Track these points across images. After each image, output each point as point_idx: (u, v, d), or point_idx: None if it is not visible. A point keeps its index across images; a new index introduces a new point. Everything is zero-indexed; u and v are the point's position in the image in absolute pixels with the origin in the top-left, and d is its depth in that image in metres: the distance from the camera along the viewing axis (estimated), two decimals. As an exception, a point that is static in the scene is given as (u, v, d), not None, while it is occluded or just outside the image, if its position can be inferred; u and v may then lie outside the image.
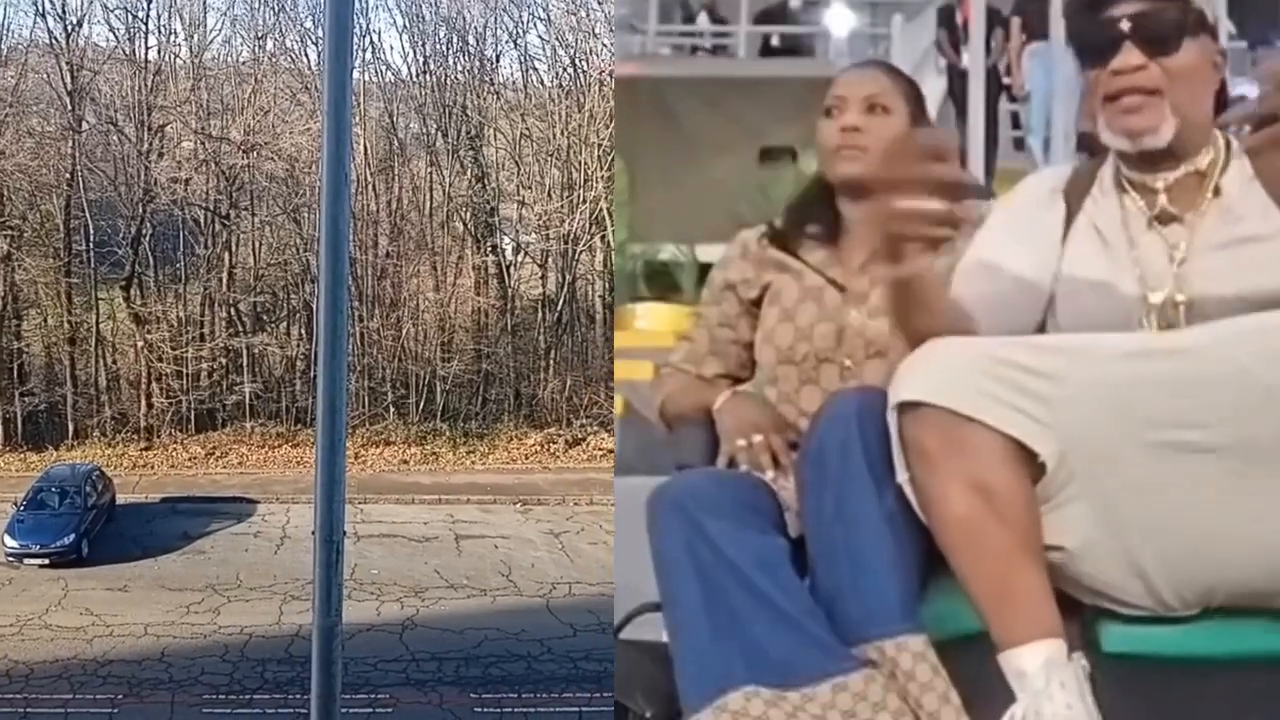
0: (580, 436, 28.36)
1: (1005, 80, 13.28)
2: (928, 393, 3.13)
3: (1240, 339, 3.07)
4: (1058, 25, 11.57)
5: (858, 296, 3.95)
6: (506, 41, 33.37)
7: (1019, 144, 13.23)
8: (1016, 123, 13.43)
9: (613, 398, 27.47)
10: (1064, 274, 3.46)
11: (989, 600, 3.12)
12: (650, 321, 9.04)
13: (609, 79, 29.45)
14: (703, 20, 17.43)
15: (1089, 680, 3.11)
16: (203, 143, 29.12)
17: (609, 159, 28.39)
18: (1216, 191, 3.38)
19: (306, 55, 31.16)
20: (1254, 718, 3.25)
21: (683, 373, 4.25)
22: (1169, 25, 3.31)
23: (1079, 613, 3.32)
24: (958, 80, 12.46)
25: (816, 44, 16.05)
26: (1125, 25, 3.30)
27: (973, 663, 3.15)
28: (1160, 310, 3.34)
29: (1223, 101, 3.50)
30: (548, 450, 28.08)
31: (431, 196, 31.30)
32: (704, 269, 13.10)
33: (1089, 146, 3.62)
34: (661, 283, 12.55)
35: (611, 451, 26.93)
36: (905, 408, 3.18)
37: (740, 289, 4.15)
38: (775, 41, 16.46)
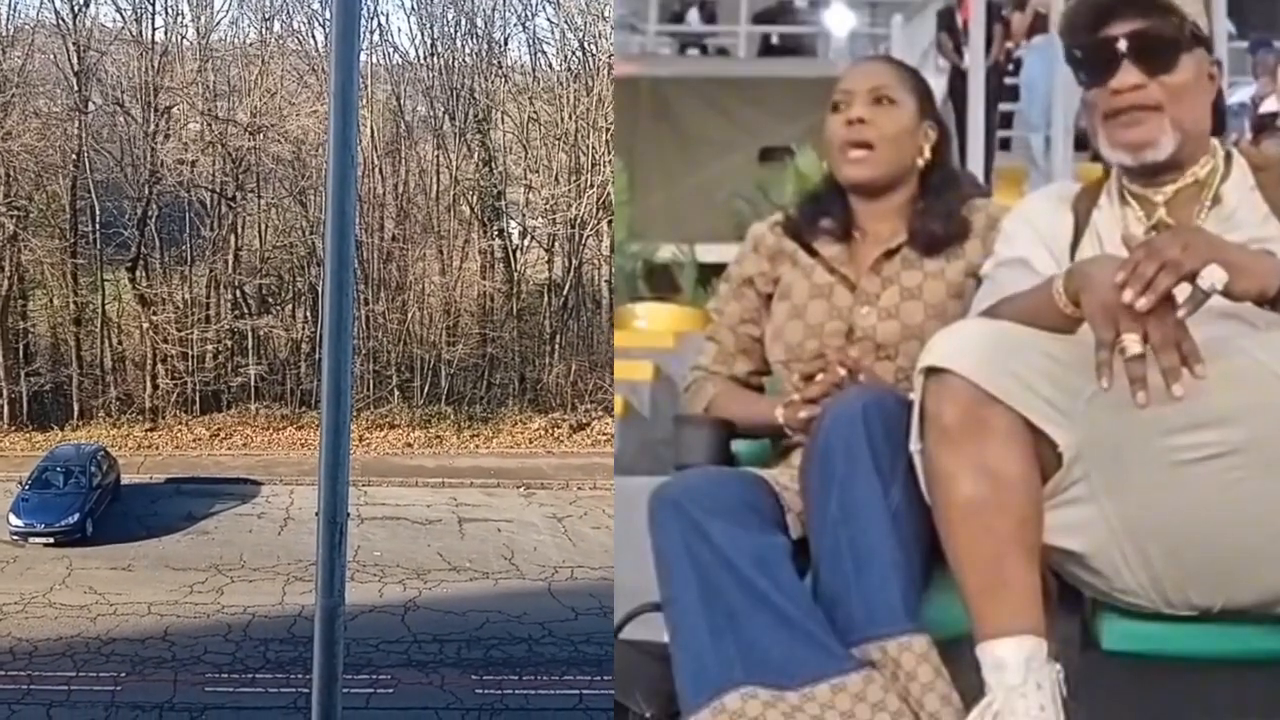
0: (584, 421, 28.38)
1: (1009, 80, 13.25)
2: (959, 363, 3.09)
3: (1268, 345, 3.03)
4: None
5: (869, 296, 3.93)
6: (515, 24, 33.34)
7: (1004, 144, 13.19)
8: (1006, 122, 13.41)
9: (617, 382, 27.44)
10: None
11: (978, 587, 3.08)
12: (650, 321, 9.02)
13: (617, 63, 29.42)
14: (692, 16, 17.41)
15: (1063, 685, 3.08)
16: (209, 124, 29.10)
17: (616, 143, 28.39)
18: (1216, 199, 3.37)
19: (313, 37, 31.12)
20: (1254, 717, 3.24)
21: (715, 375, 4.22)
22: (1166, 43, 3.31)
23: (1079, 611, 3.32)
24: (958, 80, 12.44)
25: (816, 44, 16.05)
26: (1123, 45, 3.31)
27: (976, 665, 3.12)
28: None
29: (1219, 110, 3.50)
30: (552, 434, 28.10)
31: (438, 180, 31.26)
32: (704, 269, 13.11)
33: (1090, 145, 3.62)
34: (661, 283, 12.55)
35: (615, 436, 26.94)
36: (933, 373, 3.13)
37: (758, 282, 4.14)
38: (775, 41, 16.46)
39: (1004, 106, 13.24)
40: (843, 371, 3.74)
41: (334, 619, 3.22)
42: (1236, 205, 3.35)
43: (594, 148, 29.83)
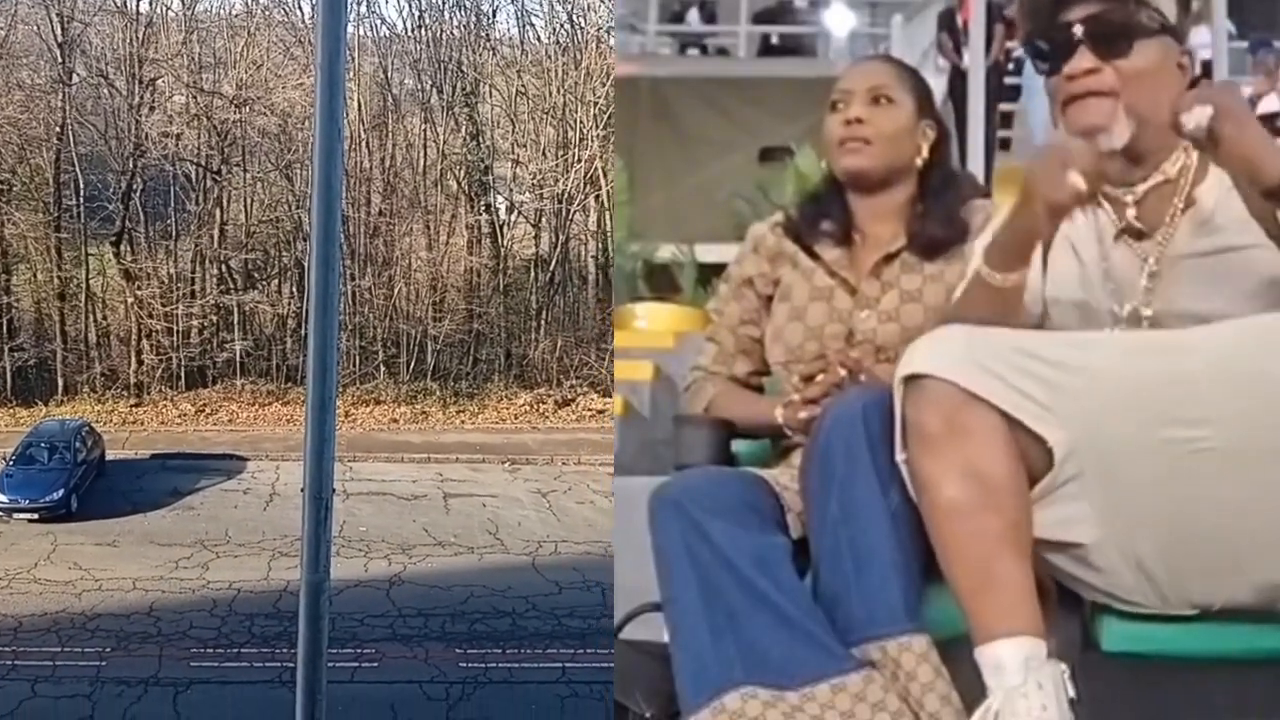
0: (570, 397, 28.38)
1: (1010, 80, 13.24)
2: (938, 368, 3.08)
3: (1258, 337, 3.00)
4: None
5: (869, 300, 3.93)
6: (503, -4, 33.10)
7: (1004, 144, 13.20)
8: (1006, 122, 13.41)
9: (604, 359, 27.50)
10: (1048, 296, 3.43)
11: (970, 589, 3.07)
12: (650, 321, 9.05)
13: (606, 36, 29.32)
14: (692, 16, 17.41)
15: (1069, 684, 3.05)
16: (194, 97, 28.92)
17: (605, 117, 28.30)
18: (1190, 202, 3.31)
19: (300, 8, 30.89)
20: (1254, 717, 3.24)
21: (715, 375, 4.22)
22: (1120, 27, 3.28)
23: (1079, 612, 3.30)
24: (958, 80, 12.43)
25: (816, 44, 16.07)
26: (1078, 30, 3.29)
27: (976, 665, 3.11)
28: (1129, 324, 3.30)
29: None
30: (537, 410, 28.11)
31: (425, 154, 31.15)
32: (704, 269, 13.16)
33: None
34: (661, 283, 12.58)
35: (601, 412, 27.00)
36: (912, 381, 3.13)
37: (758, 283, 4.14)
38: (775, 41, 16.47)
39: (1004, 106, 13.24)
40: (843, 372, 3.75)
41: (319, 594, 3.23)
42: (1214, 208, 3.28)
43: (581, 122, 29.74)
